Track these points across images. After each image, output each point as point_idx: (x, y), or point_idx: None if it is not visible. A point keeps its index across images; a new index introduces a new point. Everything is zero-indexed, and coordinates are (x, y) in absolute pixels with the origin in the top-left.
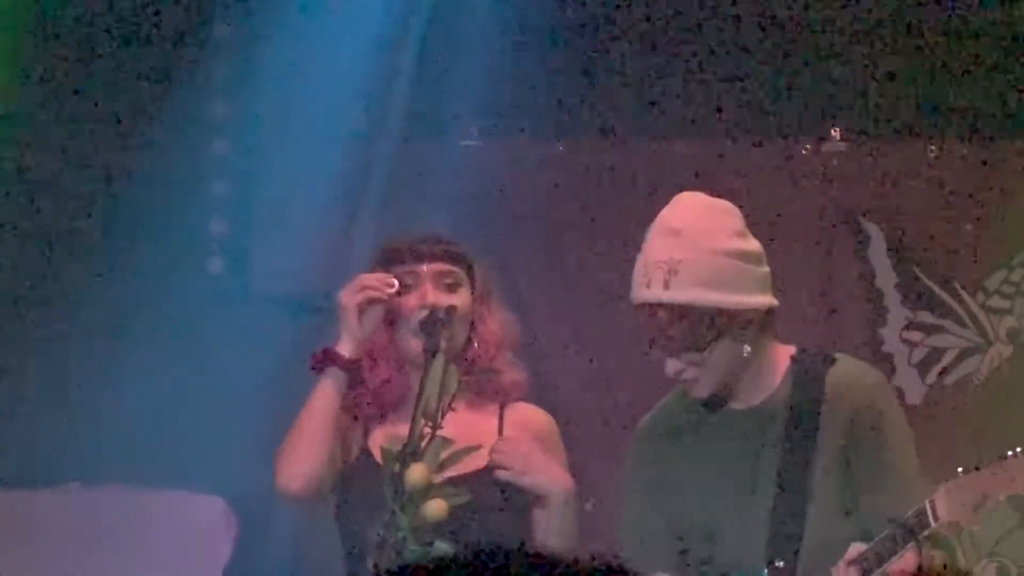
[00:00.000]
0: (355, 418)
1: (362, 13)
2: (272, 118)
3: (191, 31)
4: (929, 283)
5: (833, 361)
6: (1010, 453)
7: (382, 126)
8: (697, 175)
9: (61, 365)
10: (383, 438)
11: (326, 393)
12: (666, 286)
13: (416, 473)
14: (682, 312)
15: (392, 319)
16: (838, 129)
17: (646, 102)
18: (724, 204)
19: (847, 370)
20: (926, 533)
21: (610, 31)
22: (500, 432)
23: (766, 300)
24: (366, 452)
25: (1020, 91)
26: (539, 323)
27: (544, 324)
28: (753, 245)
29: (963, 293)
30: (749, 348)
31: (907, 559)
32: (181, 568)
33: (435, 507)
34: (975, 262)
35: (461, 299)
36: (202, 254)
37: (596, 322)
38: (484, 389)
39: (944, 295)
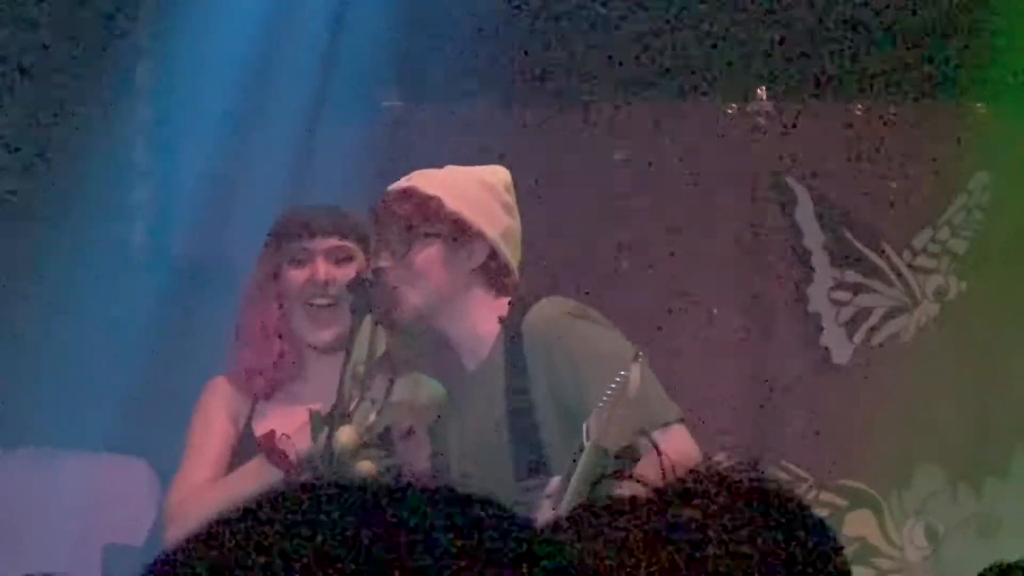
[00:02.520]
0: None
1: None
2: (194, 82)
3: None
4: (856, 243)
5: (529, 307)
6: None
7: (301, 90)
8: (622, 134)
9: None
10: (272, 418)
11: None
12: (408, 180)
13: (345, 435)
14: (407, 194)
15: (283, 296)
16: (763, 89)
17: (573, 63)
18: (503, 168)
19: (536, 312)
20: (583, 453)
21: None
22: None
23: (494, 234)
24: (249, 433)
25: (945, 50)
26: None
27: None
28: (511, 201)
29: (890, 252)
30: (470, 266)
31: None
32: (104, 532)
33: (363, 468)
34: (902, 221)
35: (351, 272)
36: (124, 222)
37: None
38: None
39: (871, 255)
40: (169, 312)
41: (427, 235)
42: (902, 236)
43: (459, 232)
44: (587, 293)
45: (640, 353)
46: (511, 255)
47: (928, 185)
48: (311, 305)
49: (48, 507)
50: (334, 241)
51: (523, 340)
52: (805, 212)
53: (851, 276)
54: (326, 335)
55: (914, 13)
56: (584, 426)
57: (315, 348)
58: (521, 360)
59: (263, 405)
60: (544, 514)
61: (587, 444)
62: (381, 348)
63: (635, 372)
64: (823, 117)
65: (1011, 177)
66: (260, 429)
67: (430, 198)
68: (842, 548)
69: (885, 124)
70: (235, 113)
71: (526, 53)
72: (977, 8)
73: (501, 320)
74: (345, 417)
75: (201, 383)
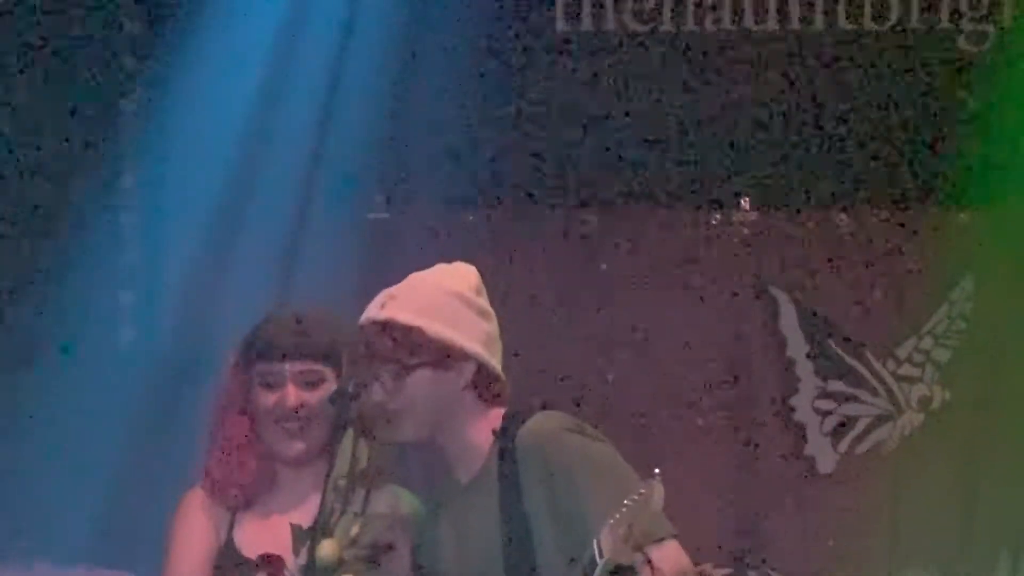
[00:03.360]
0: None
1: (264, 83)
2: (180, 188)
3: (97, 101)
4: (840, 352)
5: (524, 420)
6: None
7: (283, 194)
8: (607, 244)
9: None
10: (252, 531)
11: None
12: (382, 308)
13: (326, 549)
14: (387, 328)
15: (253, 413)
16: (747, 198)
17: (555, 170)
18: (467, 266)
19: (532, 425)
20: (596, 570)
21: (520, 98)
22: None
23: (479, 350)
24: (231, 544)
25: (928, 159)
26: None
27: None
28: (484, 304)
29: (874, 361)
30: (461, 384)
31: None
32: None
33: None
34: (886, 330)
35: (322, 395)
36: (112, 324)
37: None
38: None
39: (855, 364)
40: (155, 417)
41: (414, 366)
42: (886, 345)
43: (445, 356)
44: (571, 403)
45: (658, 471)
46: (496, 360)
47: (912, 294)
48: (281, 426)
49: None
50: (303, 364)
51: (516, 453)
52: (789, 321)
53: (835, 386)
54: (296, 449)
55: (897, 122)
56: (595, 543)
57: (286, 463)
58: (514, 473)
59: (242, 516)
60: None
61: (600, 561)
62: (364, 461)
63: (657, 489)
64: (807, 226)
65: (993, 285)
66: (240, 540)
67: (410, 329)
68: None
69: (868, 233)
70: (221, 217)
71: (512, 163)
72: (960, 116)
73: (495, 432)
74: (327, 530)
75: (186, 490)
